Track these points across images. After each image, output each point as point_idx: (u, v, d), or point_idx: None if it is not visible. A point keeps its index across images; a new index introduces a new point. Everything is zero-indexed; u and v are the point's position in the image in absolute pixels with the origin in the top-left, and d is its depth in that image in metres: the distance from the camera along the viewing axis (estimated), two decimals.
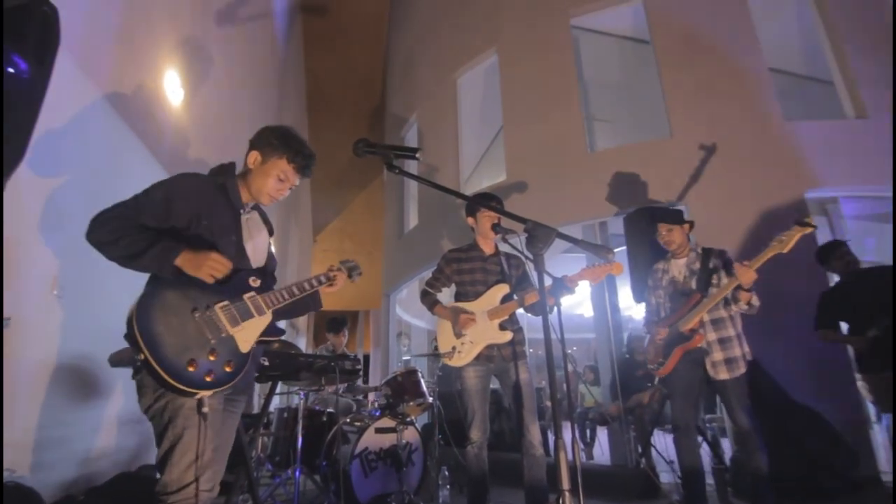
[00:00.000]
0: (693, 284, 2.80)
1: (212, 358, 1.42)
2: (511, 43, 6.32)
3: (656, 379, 2.89)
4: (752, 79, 4.93)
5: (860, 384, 4.72)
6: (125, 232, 1.42)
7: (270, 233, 1.85)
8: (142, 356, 1.31)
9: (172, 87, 3.84)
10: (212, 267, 1.45)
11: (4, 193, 1.64)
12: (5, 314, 1.92)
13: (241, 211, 1.69)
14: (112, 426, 3.03)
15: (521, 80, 6.08)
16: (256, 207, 1.81)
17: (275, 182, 1.68)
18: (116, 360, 2.09)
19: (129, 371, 2.27)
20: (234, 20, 5.54)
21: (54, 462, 2.44)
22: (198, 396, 1.38)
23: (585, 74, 5.94)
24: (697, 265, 2.83)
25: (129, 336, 1.34)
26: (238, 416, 1.70)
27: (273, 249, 1.96)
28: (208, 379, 1.39)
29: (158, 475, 1.38)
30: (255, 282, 1.61)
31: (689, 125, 4.96)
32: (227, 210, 1.64)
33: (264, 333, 1.60)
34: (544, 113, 5.73)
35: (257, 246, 1.72)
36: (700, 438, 3.63)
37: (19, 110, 1.61)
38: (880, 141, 4.57)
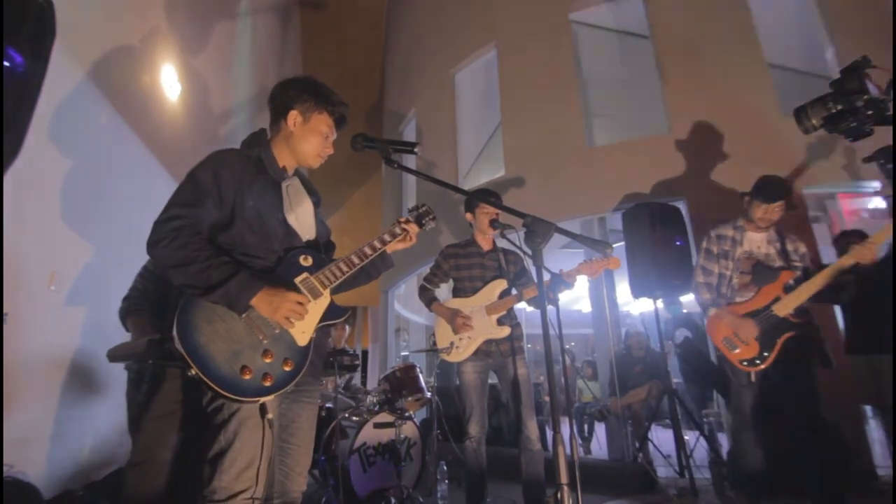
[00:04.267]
0: (780, 263, 2.51)
1: (267, 360, 1.30)
2: (510, 37, 6.29)
3: (752, 375, 2.40)
4: (750, 74, 4.92)
5: None
6: (193, 253, 1.28)
7: (317, 204, 1.67)
8: (192, 371, 1.22)
9: (169, 82, 3.82)
10: (291, 310, 1.33)
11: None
12: (3, 310, 1.91)
13: (282, 180, 1.54)
14: (111, 421, 3.04)
15: (519, 74, 6.05)
16: (297, 174, 1.63)
17: (321, 140, 1.54)
18: (115, 356, 2.09)
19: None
20: (231, 14, 5.50)
21: (53, 457, 2.44)
22: (259, 402, 1.28)
23: (584, 69, 5.91)
24: (778, 244, 2.56)
25: (177, 350, 1.25)
26: (316, 405, 1.57)
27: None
28: (266, 384, 1.28)
29: (208, 475, 1.27)
30: (306, 260, 1.45)
31: (687, 120, 4.95)
32: (268, 185, 1.49)
33: (324, 317, 1.45)
34: (543, 108, 5.71)
35: (301, 216, 1.54)
36: (696, 433, 3.66)
37: (15, 104, 1.60)
38: (878, 138, 4.56)
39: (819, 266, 2.46)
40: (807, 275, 2.41)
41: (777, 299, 2.39)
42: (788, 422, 2.42)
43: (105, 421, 2.98)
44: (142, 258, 2.10)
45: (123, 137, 3.21)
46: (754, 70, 4.92)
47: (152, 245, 1.29)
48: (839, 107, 1.43)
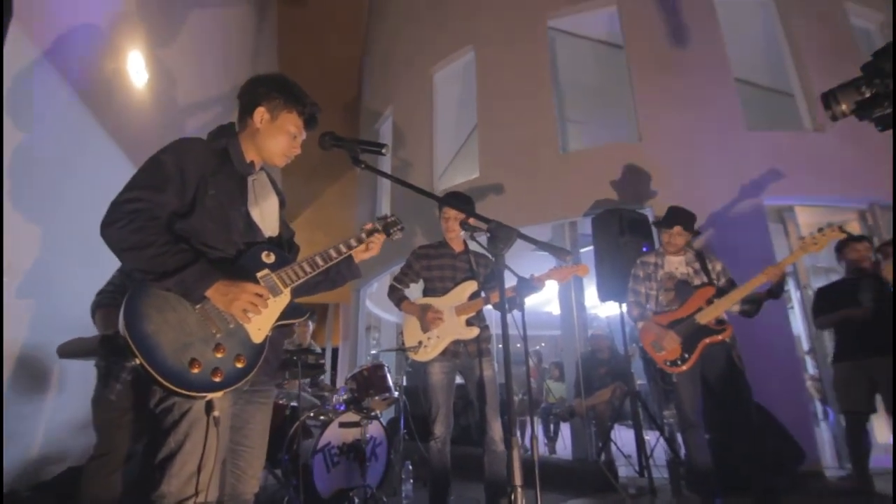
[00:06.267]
0: (700, 280, 2.82)
1: (219, 354, 1.25)
2: (488, 41, 6.33)
3: (674, 377, 2.70)
4: (718, 88, 5.09)
5: (809, 384, 4.94)
6: (150, 238, 1.23)
7: (282, 203, 1.64)
8: (137, 361, 1.16)
9: (136, 69, 3.70)
10: (248, 303, 1.29)
11: None
12: None
13: (248, 175, 1.51)
14: (63, 418, 2.92)
15: (497, 78, 6.10)
16: (263, 170, 1.61)
17: (288, 140, 1.51)
18: (65, 351, 2.02)
19: (79, 362, 2.20)
20: (204, 4, 5.36)
21: None
22: (206, 398, 1.23)
23: (560, 76, 6.00)
24: (697, 264, 2.87)
25: (122, 338, 1.18)
26: (270, 407, 1.54)
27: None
28: (216, 379, 1.22)
29: (157, 480, 1.22)
30: (268, 257, 1.42)
31: (657, 130, 5.08)
32: (233, 176, 1.46)
33: (283, 316, 1.41)
34: (519, 112, 5.77)
35: (265, 212, 1.52)
36: (657, 433, 3.76)
37: None
38: (836, 153, 4.80)
39: (731, 281, 2.82)
40: (720, 292, 2.73)
41: (700, 309, 2.70)
42: (726, 419, 2.71)
43: (56, 418, 2.87)
44: (101, 252, 2.03)
45: (84, 124, 3.09)
46: (721, 84, 5.10)
47: (107, 225, 1.24)
48: (873, 91, 1.39)
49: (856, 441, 3.31)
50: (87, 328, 2.13)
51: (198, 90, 5.18)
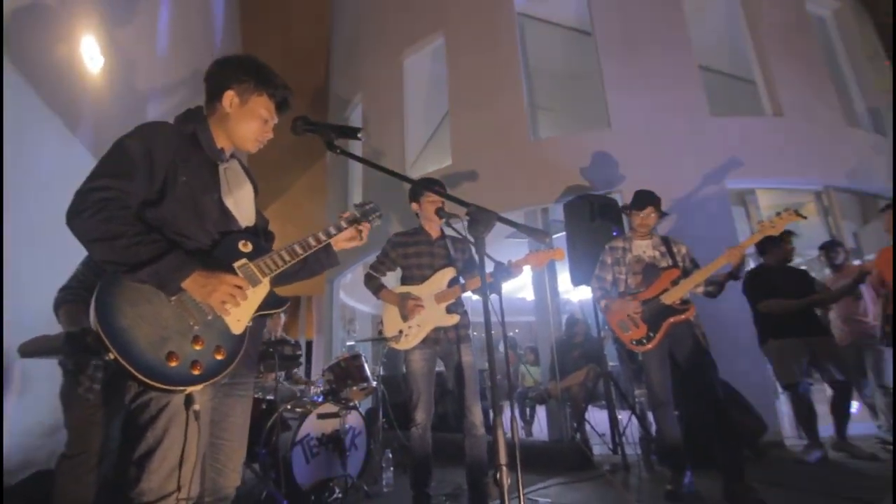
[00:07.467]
0: (666, 263, 2.91)
1: (197, 347, 1.22)
2: (457, 27, 6.28)
3: (640, 356, 2.83)
4: (682, 74, 5.21)
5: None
6: (121, 228, 1.17)
7: (255, 191, 1.59)
8: (111, 356, 1.11)
9: (91, 54, 3.52)
10: (227, 294, 1.24)
11: None
12: None
13: (220, 161, 1.45)
14: (27, 421, 2.80)
15: (467, 65, 6.07)
16: (234, 157, 1.55)
17: (260, 124, 1.45)
18: (27, 351, 1.92)
19: (44, 361, 2.11)
20: None
21: None
22: (186, 392, 1.20)
23: (530, 62, 6.02)
24: (663, 248, 2.96)
25: (94, 333, 1.13)
26: (250, 400, 1.51)
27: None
28: (195, 372, 1.19)
29: (134, 476, 1.19)
30: (245, 246, 1.39)
31: (625, 116, 5.17)
32: (204, 163, 1.40)
33: (262, 306, 1.38)
34: (489, 99, 5.76)
35: (240, 201, 1.47)
36: (629, 412, 3.88)
37: None
38: (794, 137, 5.00)
39: (695, 263, 2.92)
40: (685, 273, 2.83)
41: (665, 290, 2.77)
42: (693, 396, 2.82)
43: (20, 421, 2.74)
44: (59, 245, 1.94)
45: (36, 113, 2.92)
46: (685, 70, 5.22)
47: (74, 215, 1.17)
48: None
49: (803, 410, 3.55)
50: (50, 326, 2.04)
51: (158, 74, 4.96)
